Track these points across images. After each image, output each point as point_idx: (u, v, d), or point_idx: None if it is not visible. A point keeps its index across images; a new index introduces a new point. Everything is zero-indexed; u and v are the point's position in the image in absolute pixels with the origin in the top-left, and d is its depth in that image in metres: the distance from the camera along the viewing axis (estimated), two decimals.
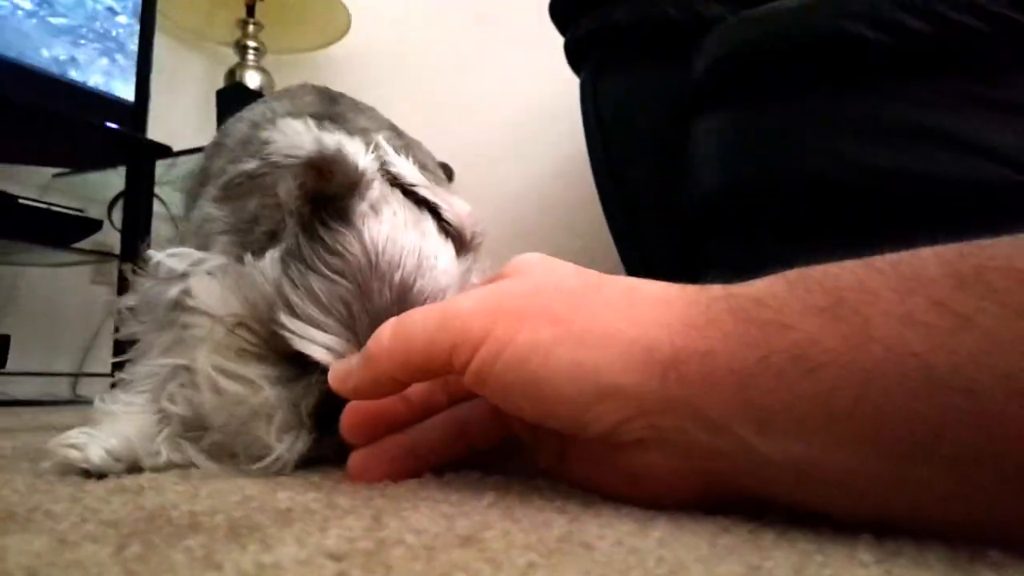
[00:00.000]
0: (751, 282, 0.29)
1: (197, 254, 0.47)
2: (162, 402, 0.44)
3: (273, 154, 0.43)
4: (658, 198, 1.12)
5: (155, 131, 1.49)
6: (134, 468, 0.42)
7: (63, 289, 1.72)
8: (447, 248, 0.46)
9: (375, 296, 0.41)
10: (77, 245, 1.44)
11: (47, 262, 1.57)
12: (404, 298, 0.42)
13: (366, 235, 0.42)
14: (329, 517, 0.29)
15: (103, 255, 1.51)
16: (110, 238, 1.57)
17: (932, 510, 0.25)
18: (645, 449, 0.30)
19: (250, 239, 0.47)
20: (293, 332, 0.41)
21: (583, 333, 0.29)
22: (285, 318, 0.41)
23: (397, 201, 0.45)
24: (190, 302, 0.44)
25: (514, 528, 0.28)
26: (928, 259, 0.25)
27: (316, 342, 0.40)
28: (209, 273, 0.45)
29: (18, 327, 1.58)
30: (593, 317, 0.30)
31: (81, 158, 1.56)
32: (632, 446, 0.30)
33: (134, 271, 0.50)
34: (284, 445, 0.41)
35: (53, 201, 1.45)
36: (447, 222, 0.47)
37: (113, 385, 0.51)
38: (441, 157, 2.12)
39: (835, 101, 0.87)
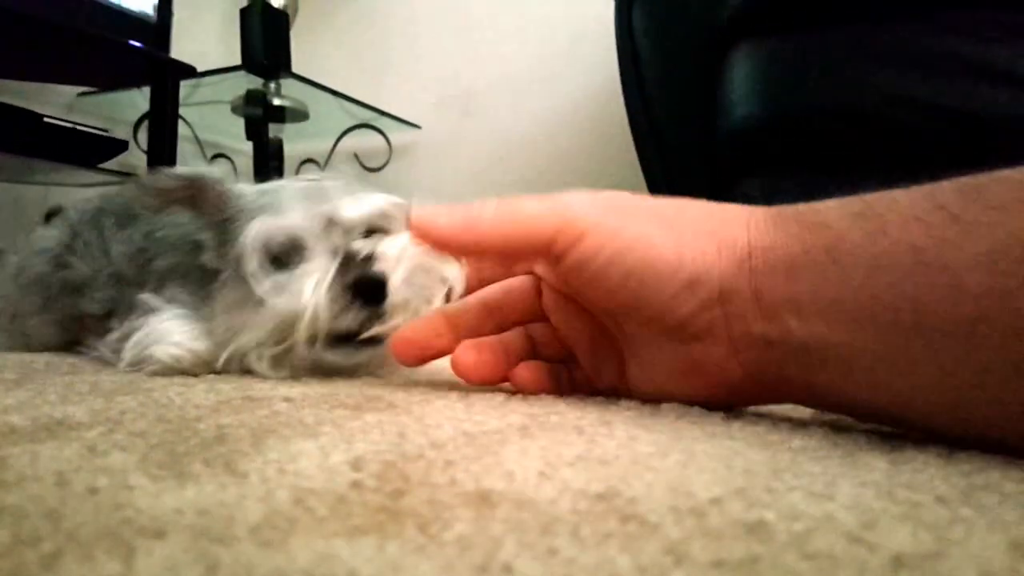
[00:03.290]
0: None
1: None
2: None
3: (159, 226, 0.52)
4: (692, 137, 1.09)
5: (179, 50, 1.47)
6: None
7: None
8: None
9: None
10: (103, 165, 1.45)
11: (74, 182, 1.58)
12: None
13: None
14: (355, 431, 0.30)
15: (130, 176, 1.52)
16: (136, 159, 1.58)
17: (928, 397, 0.29)
18: (707, 341, 0.34)
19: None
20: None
21: (684, 230, 0.35)
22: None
23: None
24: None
25: (532, 446, 0.28)
26: (946, 182, 0.30)
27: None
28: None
29: None
30: (692, 219, 0.35)
31: (104, 77, 1.55)
32: (694, 339, 0.35)
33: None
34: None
35: (78, 121, 1.44)
36: None
37: None
38: (468, 81, 2.08)
39: (875, 30, 0.83)
